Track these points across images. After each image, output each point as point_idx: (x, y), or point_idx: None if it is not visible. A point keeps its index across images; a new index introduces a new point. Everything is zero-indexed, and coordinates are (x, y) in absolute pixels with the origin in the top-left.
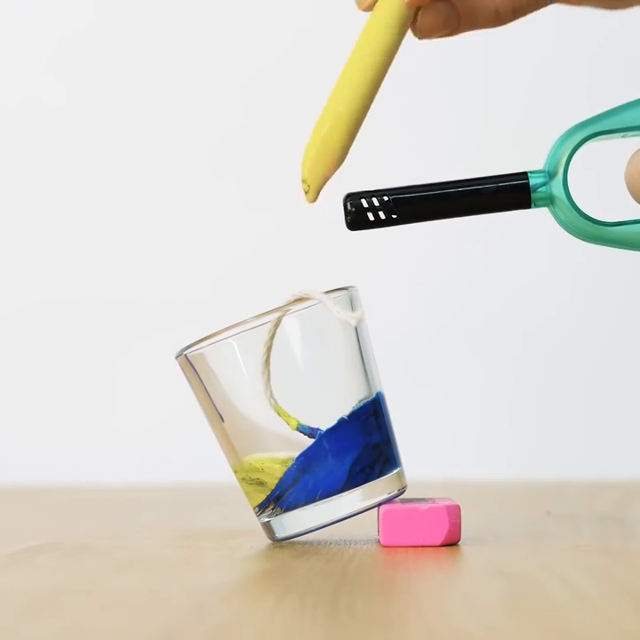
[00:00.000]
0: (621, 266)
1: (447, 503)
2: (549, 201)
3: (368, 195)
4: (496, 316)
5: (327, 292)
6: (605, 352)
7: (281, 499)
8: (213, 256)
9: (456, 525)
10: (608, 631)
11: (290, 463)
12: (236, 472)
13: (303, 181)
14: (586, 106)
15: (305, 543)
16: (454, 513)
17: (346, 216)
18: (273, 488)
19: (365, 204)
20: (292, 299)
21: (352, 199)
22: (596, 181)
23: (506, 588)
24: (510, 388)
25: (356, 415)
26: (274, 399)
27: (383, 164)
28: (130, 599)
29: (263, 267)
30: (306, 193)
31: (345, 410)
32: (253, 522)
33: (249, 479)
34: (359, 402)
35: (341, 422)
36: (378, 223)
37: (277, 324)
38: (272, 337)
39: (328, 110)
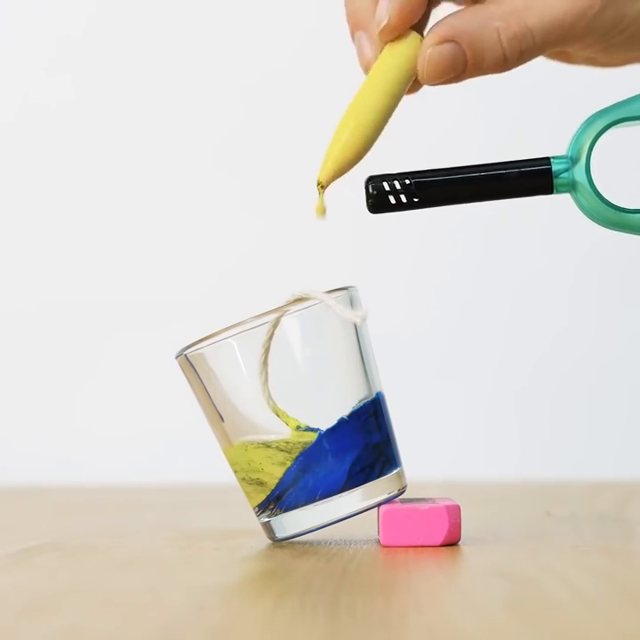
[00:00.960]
0: (632, 263)
1: (447, 503)
2: (571, 187)
3: (390, 178)
4: (497, 316)
5: (328, 292)
6: (607, 352)
7: (281, 499)
8: (213, 256)
9: (456, 525)
10: (608, 631)
11: (288, 463)
12: (236, 472)
13: (318, 184)
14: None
15: (305, 543)
16: (454, 513)
17: (367, 199)
18: (273, 488)
19: (387, 188)
20: (292, 299)
21: (374, 182)
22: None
23: (506, 588)
24: (511, 388)
25: (356, 415)
26: (272, 400)
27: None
28: (130, 599)
29: (263, 267)
30: (319, 194)
31: (345, 410)
32: (253, 522)
33: (249, 479)
34: (359, 402)
35: (341, 422)
36: (399, 206)
37: (276, 324)
38: (270, 338)
39: (350, 117)
